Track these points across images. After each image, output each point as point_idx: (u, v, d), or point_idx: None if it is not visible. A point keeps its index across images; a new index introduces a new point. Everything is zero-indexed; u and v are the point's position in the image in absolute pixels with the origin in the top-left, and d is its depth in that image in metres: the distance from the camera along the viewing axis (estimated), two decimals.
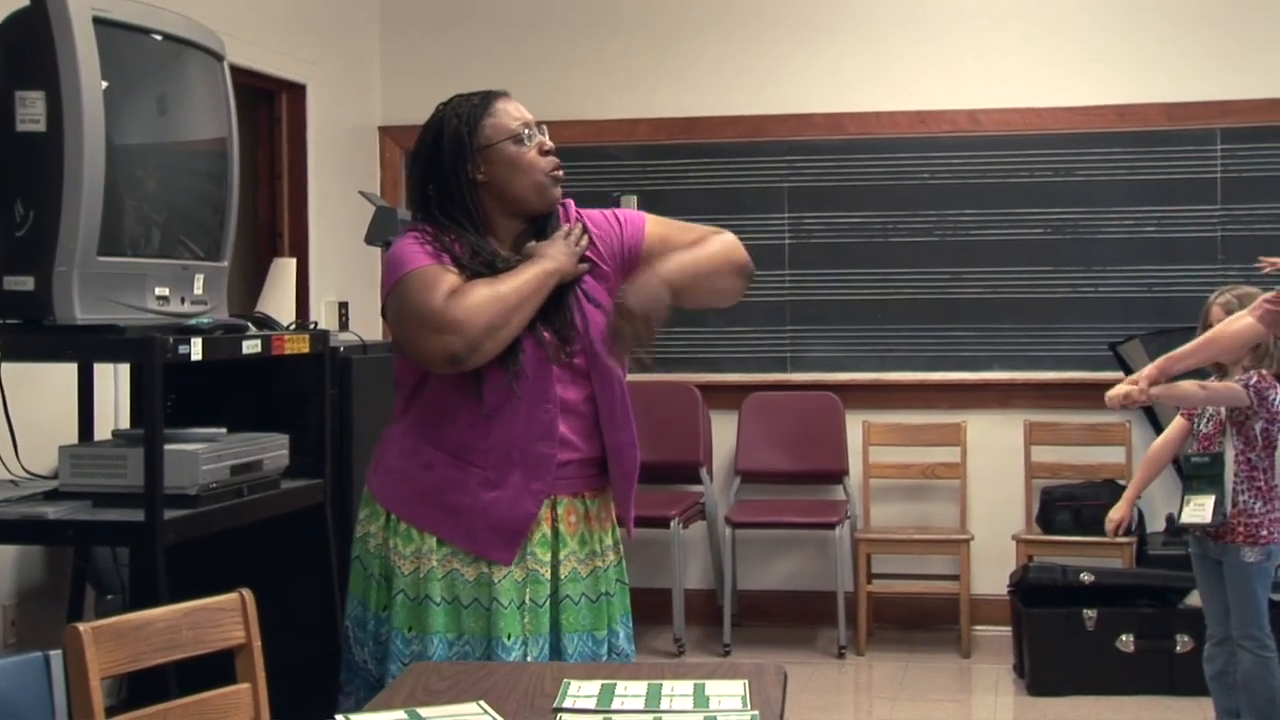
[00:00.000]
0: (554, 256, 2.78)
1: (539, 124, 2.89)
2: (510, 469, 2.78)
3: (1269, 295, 4.03)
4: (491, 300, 2.70)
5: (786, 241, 6.45)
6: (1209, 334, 4.25)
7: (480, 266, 2.77)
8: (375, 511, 2.87)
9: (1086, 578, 5.42)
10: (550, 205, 2.88)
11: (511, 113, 2.87)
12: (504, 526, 2.78)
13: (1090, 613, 5.33)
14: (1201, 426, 4.45)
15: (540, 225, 2.89)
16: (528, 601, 2.80)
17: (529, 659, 2.78)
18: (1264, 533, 4.30)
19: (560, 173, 2.88)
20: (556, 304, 2.80)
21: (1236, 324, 4.19)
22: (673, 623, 5.95)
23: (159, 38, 3.40)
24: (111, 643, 2.22)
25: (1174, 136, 6.18)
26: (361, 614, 2.90)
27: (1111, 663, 5.32)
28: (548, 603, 2.84)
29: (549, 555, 2.84)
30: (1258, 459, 4.33)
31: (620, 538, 2.99)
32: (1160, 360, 4.22)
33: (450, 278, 2.73)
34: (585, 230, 2.88)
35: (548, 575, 2.84)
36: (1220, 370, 4.44)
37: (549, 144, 2.87)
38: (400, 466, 2.84)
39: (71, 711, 2.23)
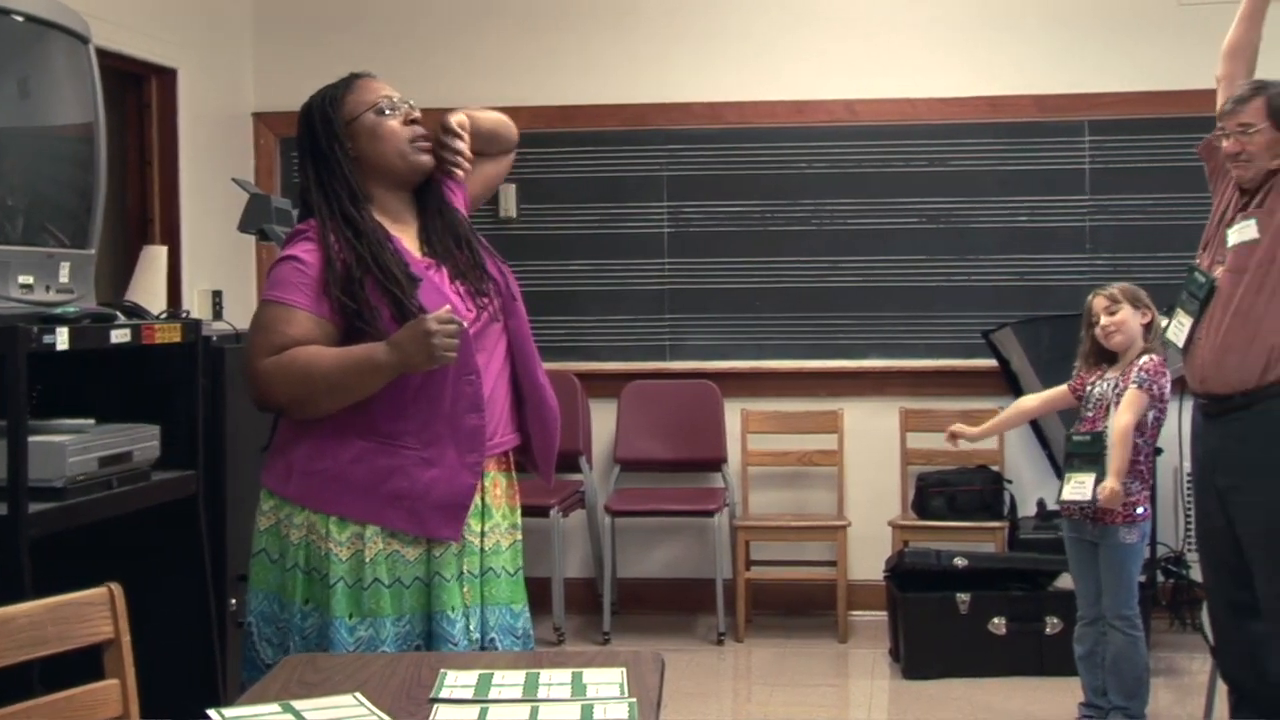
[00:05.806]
0: (401, 347, 2.69)
1: (408, 101, 2.91)
2: (444, 446, 2.78)
3: None
4: (301, 379, 2.72)
5: (666, 230, 6.46)
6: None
7: (362, 248, 2.77)
8: (295, 506, 2.81)
9: (960, 562, 5.51)
10: (419, 171, 2.90)
11: (373, 87, 2.92)
12: (447, 503, 2.78)
13: (964, 597, 5.42)
14: (1087, 410, 4.53)
15: (421, 195, 2.93)
16: (465, 572, 2.82)
17: (471, 629, 2.80)
18: (1139, 510, 4.42)
19: (427, 142, 2.90)
20: (469, 260, 2.88)
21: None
22: (552, 611, 5.95)
23: (20, 19, 3.31)
24: None
25: (1044, 128, 6.29)
26: (270, 609, 2.84)
27: (984, 645, 5.41)
28: (479, 573, 2.84)
29: (480, 526, 2.86)
30: (1145, 443, 4.45)
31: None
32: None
33: (291, 330, 2.74)
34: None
35: (479, 546, 2.85)
36: (1104, 355, 4.53)
37: (416, 114, 2.90)
38: (323, 467, 2.78)
39: None
